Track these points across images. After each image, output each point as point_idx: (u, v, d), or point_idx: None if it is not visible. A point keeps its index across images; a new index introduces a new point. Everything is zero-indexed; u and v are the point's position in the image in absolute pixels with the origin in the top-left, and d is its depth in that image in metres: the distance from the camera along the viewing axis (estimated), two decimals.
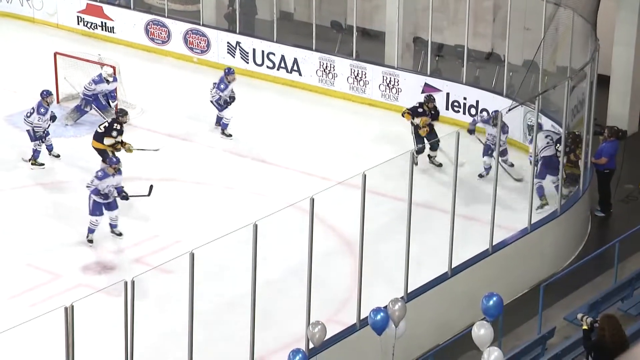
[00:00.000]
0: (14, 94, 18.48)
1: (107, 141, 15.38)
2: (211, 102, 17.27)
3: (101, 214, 13.88)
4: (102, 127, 15.49)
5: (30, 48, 20.50)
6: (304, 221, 10.95)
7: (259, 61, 19.96)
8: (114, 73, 17.67)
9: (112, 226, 14.07)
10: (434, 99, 16.55)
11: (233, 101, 17.22)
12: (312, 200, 10.70)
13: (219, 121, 17.39)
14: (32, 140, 15.92)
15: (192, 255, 9.77)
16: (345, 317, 12.20)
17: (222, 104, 17.17)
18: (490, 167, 15.34)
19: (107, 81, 17.51)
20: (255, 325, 10.61)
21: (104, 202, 13.88)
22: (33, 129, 15.85)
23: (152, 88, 19.17)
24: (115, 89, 17.79)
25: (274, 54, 19.80)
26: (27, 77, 19.13)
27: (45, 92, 16.00)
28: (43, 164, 15.84)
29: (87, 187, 13.85)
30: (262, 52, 19.90)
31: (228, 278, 12.83)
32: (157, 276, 13.08)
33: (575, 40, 16.34)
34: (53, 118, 16.18)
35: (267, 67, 19.88)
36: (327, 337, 10.91)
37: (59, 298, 12.01)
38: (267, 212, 11.27)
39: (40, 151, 16.03)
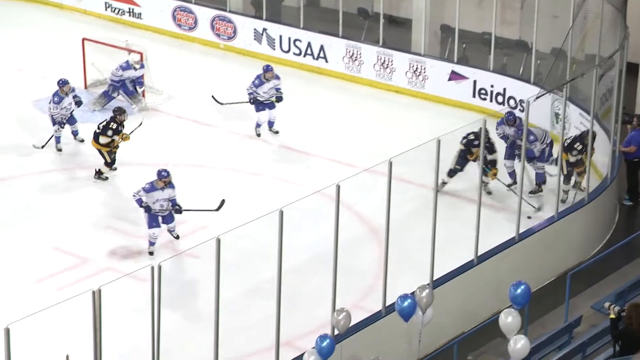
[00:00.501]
0: (42, 80, 18.56)
1: (102, 140, 15.07)
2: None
3: (158, 226, 13.38)
4: (100, 126, 15.26)
5: (58, 34, 20.58)
6: (330, 208, 10.93)
7: (285, 48, 19.94)
8: (141, 59, 17.70)
9: (171, 231, 13.65)
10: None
11: (280, 100, 16.68)
12: (338, 187, 10.68)
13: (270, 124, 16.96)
14: (52, 126, 15.99)
15: (219, 241, 9.78)
16: (371, 303, 12.19)
17: (256, 100, 16.61)
18: (514, 171, 15.08)
19: (134, 68, 17.56)
20: (281, 311, 10.62)
21: (160, 215, 13.40)
22: (51, 116, 15.91)
23: (179, 74, 19.20)
24: (143, 75, 17.83)
25: (300, 41, 19.77)
26: (54, 62, 19.21)
27: (61, 81, 15.94)
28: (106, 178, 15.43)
29: (133, 196, 13.38)
30: (289, 38, 19.87)
31: (254, 264, 12.85)
32: (184, 261, 13.19)
33: (604, 28, 16.19)
34: (78, 103, 16.15)
35: (294, 53, 19.85)
36: (352, 323, 10.90)
37: (86, 282, 12.08)
38: (293, 199, 11.27)
39: (60, 137, 16.04)
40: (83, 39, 18.50)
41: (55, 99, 15.83)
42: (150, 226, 13.35)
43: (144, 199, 13.25)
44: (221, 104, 17.34)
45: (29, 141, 16.29)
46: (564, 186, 14.34)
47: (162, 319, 9.39)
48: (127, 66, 17.55)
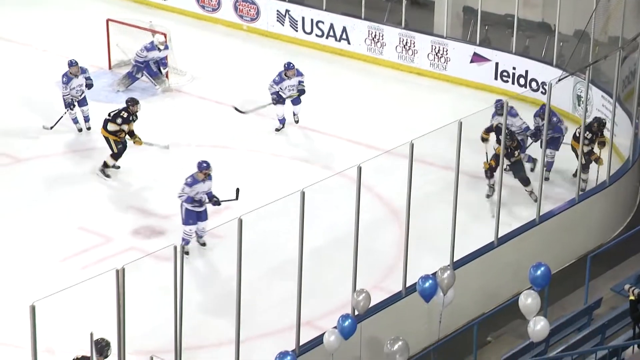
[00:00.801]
0: (66, 60, 18.62)
1: (110, 127, 14.71)
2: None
3: (194, 222, 12.98)
4: (111, 113, 14.94)
5: (83, 15, 20.62)
6: (351, 189, 10.95)
7: (307, 29, 19.91)
8: (165, 41, 17.74)
9: (199, 236, 13.19)
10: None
11: (302, 94, 16.28)
12: (360, 169, 10.70)
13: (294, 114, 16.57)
14: (64, 107, 15.92)
15: (241, 221, 9.82)
16: (391, 284, 12.22)
17: (278, 97, 16.23)
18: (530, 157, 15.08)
19: (159, 49, 17.59)
20: (302, 291, 10.67)
21: (197, 210, 12.96)
22: (63, 97, 15.86)
23: (202, 55, 19.22)
24: (166, 56, 17.87)
25: (322, 22, 19.73)
26: (79, 43, 19.29)
27: (70, 62, 15.85)
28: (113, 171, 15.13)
29: (179, 197, 12.91)
30: (311, 20, 19.83)
31: (276, 244, 12.90)
32: (207, 241, 13.26)
33: (627, 10, 16.07)
34: (89, 86, 16.00)
35: (316, 35, 19.82)
36: (372, 304, 10.94)
37: (110, 261, 12.16)
38: (315, 180, 11.30)
39: (75, 118, 15.99)
40: (107, 20, 18.54)
41: (64, 79, 15.77)
42: (187, 223, 12.95)
43: (190, 194, 12.88)
44: (244, 112, 16.62)
45: (51, 122, 16.37)
46: (582, 175, 14.28)
47: (184, 297, 9.46)
48: (151, 47, 17.59)
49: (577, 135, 14.27)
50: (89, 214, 14.09)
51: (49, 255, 13.05)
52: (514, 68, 17.90)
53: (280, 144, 16.17)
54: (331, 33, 19.67)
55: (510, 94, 17.18)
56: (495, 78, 18.03)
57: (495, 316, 11.87)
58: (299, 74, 16.29)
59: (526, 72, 17.74)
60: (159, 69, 17.82)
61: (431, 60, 18.68)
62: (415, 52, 18.82)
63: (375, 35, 19.19)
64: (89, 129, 16.08)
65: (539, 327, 10.23)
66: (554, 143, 14.68)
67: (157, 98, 17.70)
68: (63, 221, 13.87)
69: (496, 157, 13.98)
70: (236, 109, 16.62)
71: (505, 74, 17.98)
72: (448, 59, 18.50)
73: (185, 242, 12.89)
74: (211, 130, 16.58)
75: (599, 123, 14.25)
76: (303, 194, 10.25)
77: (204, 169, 12.95)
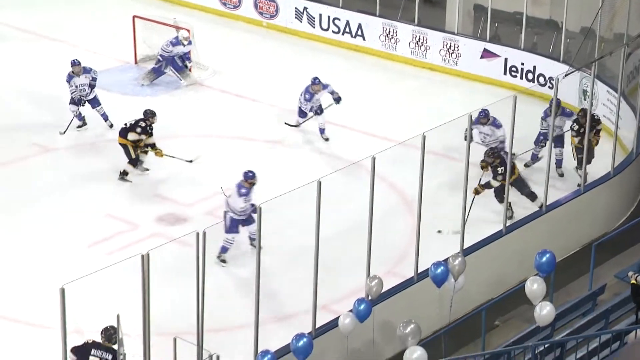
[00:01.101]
0: (94, 55, 18.69)
1: (131, 136, 14.45)
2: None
3: (237, 231, 12.58)
4: (128, 123, 14.63)
5: (111, 12, 20.64)
6: (366, 179, 10.95)
7: (324, 26, 19.89)
8: (189, 36, 17.75)
9: (252, 239, 12.77)
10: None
11: (338, 102, 15.83)
12: (374, 159, 10.69)
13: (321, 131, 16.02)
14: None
15: (260, 209, 9.83)
16: (403, 270, 12.22)
17: (307, 112, 15.85)
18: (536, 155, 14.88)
19: (183, 44, 17.60)
20: (318, 277, 10.67)
21: (241, 218, 12.57)
22: (70, 94, 15.71)
23: (224, 51, 19.23)
24: (190, 51, 17.89)
25: (339, 19, 19.70)
26: (107, 39, 19.33)
27: (72, 62, 15.67)
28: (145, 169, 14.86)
29: (226, 211, 12.51)
30: (328, 17, 19.80)
31: (293, 231, 12.90)
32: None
33: (632, 7, 15.97)
34: (92, 86, 15.67)
35: (333, 31, 19.80)
36: (385, 289, 10.94)
37: (135, 246, 12.20)
38: (331, 170, 11.30)
39: (79, 115, 15.78)
40: (134, 17, 18.57)
41: (67, 77, 15.67)
42: (230, 231, 12.51)
43: (238, 206, 12.43)
44: (295, 126, 15.96)
45: (83, 114, 16.41)
46: (580, 171, 14.20)
47: (206, 282, 9.48)
48: (176, 42, 17.60)
49: (572, 128, 14.19)
50: (115, 202, 14.13)
51: (78, 241, 13.10)
52: (522, 63, 17.83)
53: (297, 136, 16.16)
54: (347, 30, 19.64)
55: (518, 88, 17.11)
56: (505, 73, 17.97)
57: (503, 301, 11.86)
58: (325, 86, 15.71)
59: (534, 67, 17.67)
60: (185, 64, 17.83)
61: (443, 56, 18.63)
62: (428, 48, 18.76)
63: (389, 32, 19.15)
64: (111, 126, 15.86)
65: (545, 311, 10.22)
66: (560, 140, 14.57)
67: (181, 91, 17.73)
68: (91, 209, 13.92)
69: (486, 184, 13.22)
70: (287, 123, 16.00)
71: (514, 69, 17.92)
72: (459, 55, 18.44)
73: (224, 250, 12.57)
74: (231, 122, 16.59)
75: (592, 119, 14.05)
76: (319, 183, 10.25)
77: (250, 178, 12.66)
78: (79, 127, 15.94)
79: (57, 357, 8.92)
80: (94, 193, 14.34)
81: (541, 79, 17.53)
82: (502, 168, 13.00)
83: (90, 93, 15.72)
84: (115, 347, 9.60)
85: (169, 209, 13.98)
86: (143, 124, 14.50)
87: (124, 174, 14.66)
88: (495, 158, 13.24)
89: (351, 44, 19.59)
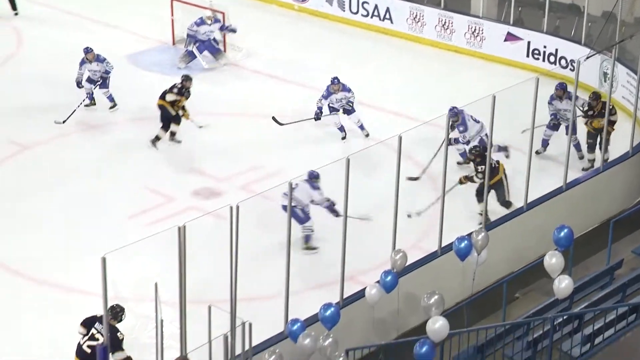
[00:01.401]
0: (133, 35, 18.74)
1: (169, 97, 14.77)
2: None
3: (310, 217, 12.44)
4: (167, 88, 14.95)
5: None
6: (392, 157, 10.91)
7: (354, 9, 19.80)
8: (213, 15, 17.50)
9: (332, 205, 12.41)
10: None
11: (346, 112, 15.09)
12: (400, 138, 10.65)
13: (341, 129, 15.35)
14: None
15: (290, 185, 9.84)
16: (427, 244, 12.20)
17: (320, 112, 15.11)
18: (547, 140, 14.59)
19: (207, 23, 17.53)
20: (346, 249, 10.68)
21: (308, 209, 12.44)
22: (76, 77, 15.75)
23: (257, 33, 19.20)
24: (224, 33, 17.84)
25: (367, 3, 19.60)
26: (146, 20, 19.36)
27: (85, 49, 15.70)
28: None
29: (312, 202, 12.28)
30: (357, 1, 19.71)
31: (322, 206, 12.88)
32: (260, 202, 13.30)
33: None
34: (107, 72, 15.67)
35: (362, 15, 19.72)
36: (410, 262, 10.93)
37: (172, 219, 12.25)
38: (359, 148, 11.28)
39: (90, 94, 15.78)
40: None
41: (80, 62, 15.69)
42: (305, 220, 12.41)
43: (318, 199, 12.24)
44: (282, 124, 15.12)
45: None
46: (588, 155, 14.07)
47: (239, 253, 9.51)
48: (200, 22, 17.54)
49: (582, 110, 13.95)
50: (154, 176, 14.20)
51: (118, 212, 13.19)
52: (544, 46, 17.67)
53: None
54: (375, 13, 19.55)
55: (540, 70, 16.96)
56: (527, 56, 17.83)
57: (524, 275, 11.81)
58: (345, 89, 15.01)
59: (556, 50, 17.51)
60: (218, 46, 17.78)
61: (468, 39, 18.49)
62: (453, 31, 18.64)
63: (416, 16, 19.03)
64: (114, 106, 15.91)
65: (563, 285, 10.17)
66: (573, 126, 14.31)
67: (216, 72, 17.74)
68: (131, 182, 14.00)
69: (470, 178, 12.75)
70: (275, 119, 15.19)
71: (536, 52, 17.76)
72: (483, 38, 18.31)
73: (308, 238, 12.44)
74: (264, 101, 16.58)
75: (609, 110, 13.80)
76: (348, 160, 10.24)
77: (316, 177, 12.35)
78: (87, 105, 15.92)
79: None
80: (133, 167, 14.42)
81: (563, 62, 17.37)
82: (483, 167, 12.41)
83: (100, 80, 15.73)
84: (119, 325, 9.63)
85: (204, 184, 14.03)
86: (180, 86, 14.81)
87: (155, 140, 14.86)
88: (477, 156, 12.74)
89: (379, 26, 19.49)
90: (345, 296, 10.74)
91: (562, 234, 10.60)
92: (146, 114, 15.95)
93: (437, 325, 9.51)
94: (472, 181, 12.79)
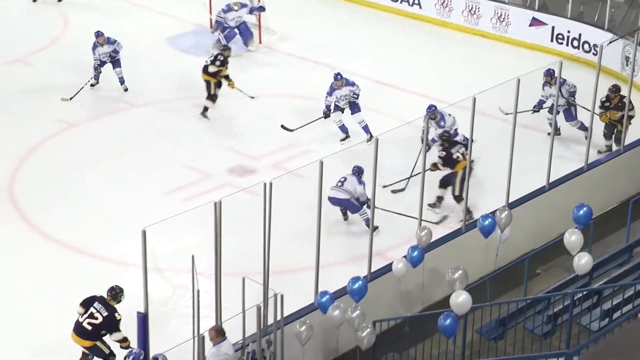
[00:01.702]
0: (172, 18, 18.76)
1: (211, 69, 14.93)
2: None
3: (363, 204, 12.09)
4: (208, 60, 15.13)
5: None
6: (419, 137, 10.85)
7: None
8: (239, 1, 17.36)
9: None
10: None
11: (350, 106, 14.25)
12: (427, 119, 10.58)
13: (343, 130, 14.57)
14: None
15: (322, 163, 9.84)
16: (452, 221, 12.15)
17: (328, 110, 14.38)
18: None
19: (234, 9, 17.43)
20: (373, 226, 10.66)
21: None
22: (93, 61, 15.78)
23: (291, 17, 19.14)
24: (256, 14, 17.71)
25: None
26: (184, 3, 19.35)
27: (96, 33, 15.73)
28: None
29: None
30: None
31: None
32: (292, 179, 13.31)
33: None
34: (116, 52, 15.69)
35: (392, 0, 19.61)
36: (434, 239, 10.90)
37: (209, 195, 12.30)
38: (386, 129, 11.21)
39: (98, 76, 15.80)
40: None
41: (92, 47, 15.72)
42: (361, 208, 12.10)
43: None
44: (291, 130, 14.42)
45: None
46: (605, 142, 13.88)
47: (271, 228, 9.53)
48: (228, 9, 17.43)
49: (602, 102, 13.63)
50: (191, 153, 14.25)
51: (157, 188, 13.26)
52: (568, 31, 17.46)
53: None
54: None
55: (564, 54, 16.77)
56: (551, 40, 17.64)
57: (545, 252, 11.74)
58: (349, 83, 14.31)
59: (580, 35, 17.29)
60: (249, 29, 17.67)
61: (493, 24, 18.33)
62: (480, 16, 18.48)
63: (444, 1, 18.89)
64: (125, 90, 15.89)
65: (583, 261, 10.09)
66: (568, 115, 14.04)
67: (251, 55, 17.73)
68: (169, 159, 14.06)
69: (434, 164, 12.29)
70: (283, 127, 14.42)
71: (560, 36, 17.56)
72: (509, 23, 18.13)
73: (367, 220, 11.83)
74: (297, 83, 16.55)
75: (621, 97, 13.54)
76: (377, 140, 10.20)
77: (361, 172, 12.17)
78: (92, 85, 15.90)
79: (139, 292, 9.08)
80: (171, 145, 14.47)
81: (586, 46, 17.16)
82: (444, 154, 12.23)
83: (108, 61, 15.75)
84: (117, 305, 9.53)
85: (239, 161, 14.06)
86: (221, 57, 15.01)
87: (204, 110, 15.01)
88: (445, 141, 12.40)
89: (408, 11, 19.37)
90: (372, 270, 10.74)
91: (581, 212, 10.51)
92: (184, 94, 16.00)
93: (461, 299, 9.49)
94: (437, 168, 12.40)
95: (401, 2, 19.44)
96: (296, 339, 9.48)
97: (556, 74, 12.93)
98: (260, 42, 17.96)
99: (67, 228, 12.32)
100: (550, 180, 12.49)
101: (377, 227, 11.84)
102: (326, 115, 14.44)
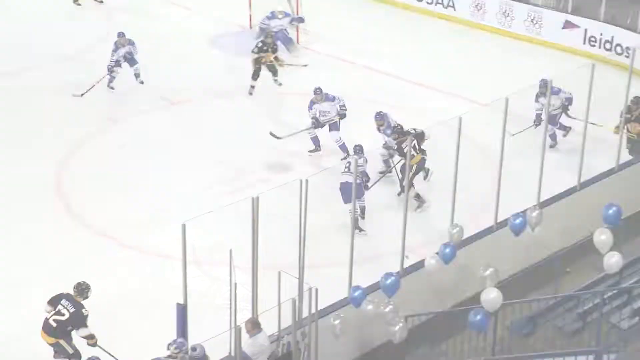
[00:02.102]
0: (215, 20, 18.82)
1: (251, 56, 15.45)
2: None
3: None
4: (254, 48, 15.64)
5: None
6: (452, 137, 10.79)
7: None
8: (297, 6, 17.50)
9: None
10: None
11: (342, 118, 13.91)
12: (460, 119, 10.53)
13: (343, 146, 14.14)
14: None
15: (356, 160, 9.81)
16: (484, 220, 12.05)
17: (317, 121, 13.97)
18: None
19: (278, 17, 17.47)
20: (407, 223, 10.62)
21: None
22: (110, 61, 15.84)
23: (327, 18, 19.14)
24: (297, 19, 17.76)
25: None
26: (227, 5, 19.42)
27: (118, 34, 15.85)
28: None
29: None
30: None
31: (384, 181, 12.84)
32: (327, 176, 13.30)
33: None
34: (130, 57, 15.80)
35: (427, 2, 19.56)
36: (466, 236, 10.82)
37: (247, 190, 12.31)
38: (422, 128, 11.13)
39: (112, 78, 15.87)
40: None
41: (113, 47, 15.81)
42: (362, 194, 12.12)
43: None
44: (279, 138, 14.14)
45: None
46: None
47: (307, 224, 9.53)
48: (272, 16, 17.50)
49: (625, 116, 13.25)
50: (230, 150, 14.29)
51: (196, 183, 13.31)
52: (601, 34, 17.27)
53: (393, 95, 15.99)
54: (439, 0, 19.30)
55: (596, 57, 16.57)
56: (584, 43, 17.46)
57: (575, 250, 11.61)
58: (329, 98, 13.87)
59: (612, 37, 17.10)
60: (289, 36, 17.70)
61: (527, 26, 18.18)
62: (513, 18, 18.34)
63: (478, 3, 18.78)
64: (141, 82, 16.00)
65: (612, 260, 9.96)
66: (552, 119, 13.73)
67: (288, 55, 17.74)
68: (208, 155, 14.11)
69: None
70: (272, 134, 14.14)
71: (592, 39, 17.36)
72: (542, 25, 17.98)
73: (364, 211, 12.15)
74: (333, 81, 16.51)
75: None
76: (412, 139, 10.14)
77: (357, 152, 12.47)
78: (112, 88, 15.98)
79: (178, 284, 9.12)
80: (211, 141, 14.53)
81: (618, 49, 16.96)
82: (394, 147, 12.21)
83: (125, 60, 15.85)
84: (84, 302, 9.45)
85: (276, 159, 14.07)
86: (260, 44, 15.47)
87: (251, 88, 15.58)
88: (399, 135, 12.31)
89: (443, 13, 19.29)
90: (405, 266, 10.69)
91: (611, 211, 10.37)
92: (225, 90, 16.06)
93: (492, 296, 9.41)
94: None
95: (436, 5, 19.35)
96: (330, 332, 9.47)
97: (589, 77, 12.72)
98: (298, 43, 17.97)
99: (109, 220, 12.41)
100: (582, 180, 12.33)
101: (363, 230, 11.91)
102: (315, 125, 13.91)
